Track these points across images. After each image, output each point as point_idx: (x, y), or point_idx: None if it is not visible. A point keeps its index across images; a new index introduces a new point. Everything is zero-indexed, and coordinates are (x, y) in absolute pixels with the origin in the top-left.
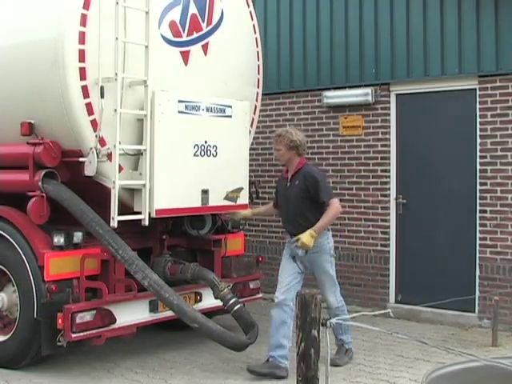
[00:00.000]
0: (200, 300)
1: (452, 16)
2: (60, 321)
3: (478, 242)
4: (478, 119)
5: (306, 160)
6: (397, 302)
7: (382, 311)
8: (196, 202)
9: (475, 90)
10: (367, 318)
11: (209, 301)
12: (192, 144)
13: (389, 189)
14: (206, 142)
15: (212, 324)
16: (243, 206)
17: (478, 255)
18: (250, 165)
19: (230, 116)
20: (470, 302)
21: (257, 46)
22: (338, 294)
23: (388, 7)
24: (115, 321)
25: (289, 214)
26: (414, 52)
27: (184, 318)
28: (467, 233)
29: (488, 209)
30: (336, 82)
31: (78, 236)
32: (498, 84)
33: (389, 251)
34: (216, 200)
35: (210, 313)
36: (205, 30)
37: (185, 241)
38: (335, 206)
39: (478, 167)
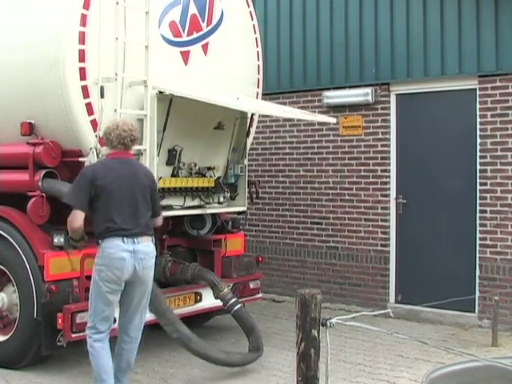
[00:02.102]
0: (200, 300)
1: (452, 16)
2: (60, 321)
3: (478, 242)
4: (478, 119)
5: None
6: (397, 301)
7: (382, 311)
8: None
9: (475, 89)
10: (367, 318)
11: (209, 301)
12: None
13: (389, 189)
14: None
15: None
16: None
17: (478, 255)
18: (250, 165)
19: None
20: (470, 302)
21: (257, 46)
22: None
23: (388, 7)
24: (115, 321)
25: None
26: (414, 52)
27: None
28: (467, 233)
29: (488, 209)
30: (336, 81)
31: None
32: (498, 84)
33: (389, 251)
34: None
35: (209, 313)
36: (205, 30)
37: (185, 241)
38: None
39: (478, 167)
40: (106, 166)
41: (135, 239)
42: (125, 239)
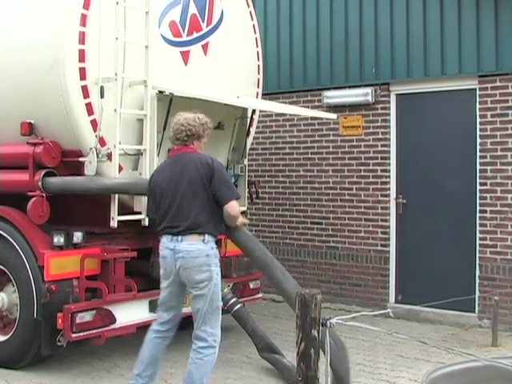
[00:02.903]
0: None
1: (452, 16)
2: (60, 321)
3: (477, 241)
4: (478, 119)
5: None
6: (397, 301)
7: (382, 311)
8: None
9: (475, 89)
10: (367, 318)
11: None
12: None
13: (389, 189)
14: None
15: None
16: None
17: (477, 255)
18: (250, 165)
19: None
20: (470, 302)
21: (257, 46)
22: None
23: (388, 7)
24: (115, 321)
25: None
26: (413, 52)
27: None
28: (467, 233)
29: (488, 209)
30: (336, 81)
31: (77, 236)
32: (497, 84)
33: (389, 251)
34: None
35: None
36: (205, 29)
37: None
38: None
39: (478, 167)
40: (162, 165)
41: (178, 237)
42: (169, 237)
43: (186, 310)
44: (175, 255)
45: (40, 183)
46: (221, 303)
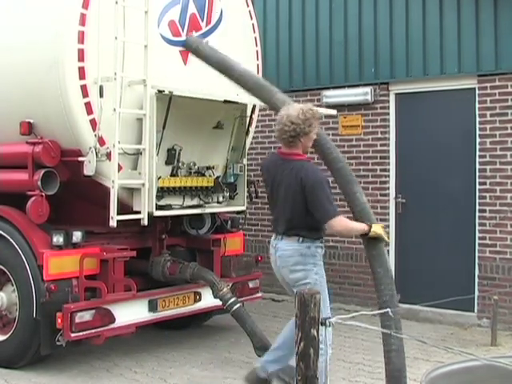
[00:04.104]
0: (199, 299)
1: (451, 15)
2: (59, 320)
3: (477, 241)
4: (478, 118)
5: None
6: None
7: (382, 311)
8: None
9: (474, 89)
10: (366, 318)
11: (208, 300)
12: None
13: (388, 188)
14: None
15: None
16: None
17: (477, 254)
18: (249, 164)
19: None
20: (470, 302)
21: (256, 46)
22: None
23: (387, 6)
24: (114, 320)
25: None
26: (413, 51)
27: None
28: (466, 232)
29: (487, 208)
30: (335, 81)
31: (77, 235)
32: (497, 83)
33: (388, 250)
34: None
35: (209, 312)
36: (204, 29)
37: (184, 240)
38: None
39: (478, 166)
40: (271, 159)
41: (280, 236)
42: (274, 235)
43: (182, 310)
44: (276, 254)
45: (39, 182)
46: (326, 299)
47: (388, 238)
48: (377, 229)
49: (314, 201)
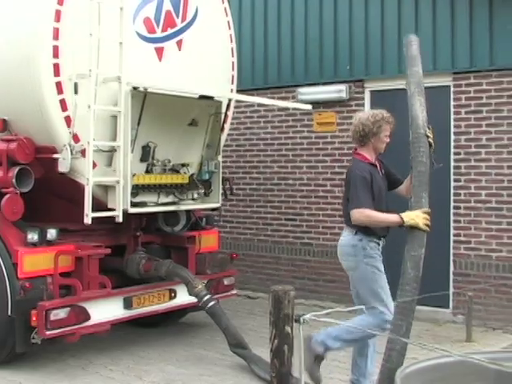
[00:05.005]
0: (174, 297)
1: (426, 13)
2: (34, 318)
3: (452, 238)
4: (453, 116)
5: None
6: None
7: (356, 307)
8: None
9: (449, 86)
10: (342, 315)
11: (183, 297)
12: None
13: None
14: None
15: None
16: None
17: (452, 251)
18: (224, 161)
19: None
20: (445, 298)
21: (231, 43)
22: None
23: (363, 4)
24: (89, 318)
25: (384, 208)
26: (388, 49)
27: None
28: (441, 229)
29: (462, 205)
30: (310, 78)
31: (51, 233)
32: (472, 81)
33: None
34: None
35: (184, 309)
36: (179, 26)
37: (159, 237)
38: None
39: (452, 164)
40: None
41: (344, 228)
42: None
43: (157, 307)
44: (339, 242)
45: (14, 180)
46: (381, 290)
47: (427, 226)
48: (410, 219)
49: (350, 193)
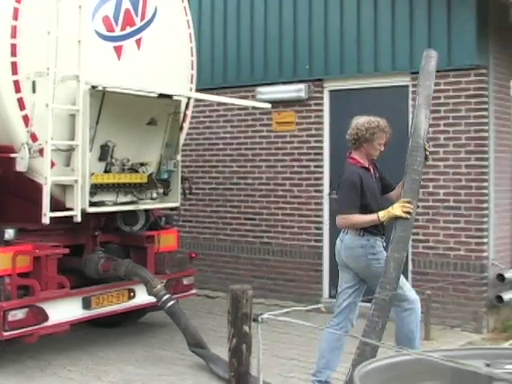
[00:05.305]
0: (133, 297)
1: (385, 14)
2: None
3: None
4: (411, 115)
5: None
6: (331, 296)
7: (314, 306)
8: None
9: (408, 86)
10: (301, 314)
11: (142, 297)
12: None
13: (322, 184)
14: None
15: None
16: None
17: (410, 250)
18: (183, 161)
19: None
20: None
21: (191, 42)
22: None
23: (322, 4)
24: (48, 318)
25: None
26: (347, 48)
27: None
28: None
29: (420, 204)
30: (270, 77)
31: (9, 233)
32: None
33: (322, 246)
34: None
35: (143, 309)
36: (138, 24)
37: (118, 237)
38: None
39: None
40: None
41: (345, 230)
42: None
43: (116, 307)
44: (342, 245)
45: None
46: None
47: (408, 214)
48: (386, 212)
49: (338, 197)
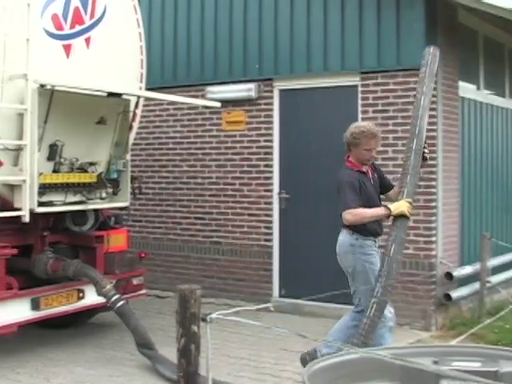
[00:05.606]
0: (83, 297)
1: (335, 13)
2: None
3: None
4: (360, 115)
5: None
6: (281, 296)
7: (263, 305)
8: None
9: (357, 86)
10: (251, 313)
11: (92, 298)
12: None
13: (272, 184)
14: None
15: None
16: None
17: None
18: (133, 160)
19: None
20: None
21: (140, 41)
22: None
23: (272, 3)
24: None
25: None
26: (297, 48)
27: None
28: None
29: None
30: (220, 77)
31: None
32: (379, 80)
33: (272, 246)
34: None
35: (93, 310)
36: (87, 23)
37: (67, 237)
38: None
39: None
40: None
41: (341, 230)
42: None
43: (66, 308)
44: (337, 243)
45: None
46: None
47: (409, 212)
48: (396, 208)
49: (339, 198)
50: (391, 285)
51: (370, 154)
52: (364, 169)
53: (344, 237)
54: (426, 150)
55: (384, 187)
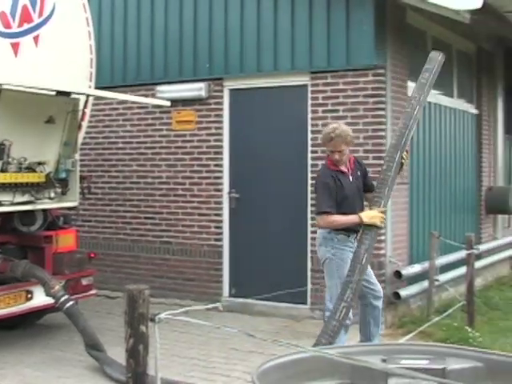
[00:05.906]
0: (31, 298)
1: (285, 12)
2: None
3: (309, 235)
4: (310, 114)
5: None
6: (231, 295)
7: (212, 305)
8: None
9: (307, 85)
10: (201, 313)
11: (40, 299)
12: None
13: (222, 183)
14: None
15: None
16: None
17: (309, 248)
18: (82, 160)
19: None
20: (303, 294)
21: (90, 39)
22: None
23: (222, 3)
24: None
25: (356, 210)
26: (247, 47)
27: None
28: (299, 226)
29: None
30: (169, 76)
31: None
32: (329, 80)
33: (222, 245)
34: None
35: (41, 311)
36: (36, 21)
37: (15, 237)
38: None
39: (310, 162)
40: None
41: None
42: None
43: (14, 309)
44: None
45: None
46: (338, 280)
47: (381, 223)
48: (369, 218)
49: (315, 198)
50: (359, 290)
51: (337, 156)
52: (344, 168)
53: (319, 230)
54: (404, 157)
55: (366, 186)
